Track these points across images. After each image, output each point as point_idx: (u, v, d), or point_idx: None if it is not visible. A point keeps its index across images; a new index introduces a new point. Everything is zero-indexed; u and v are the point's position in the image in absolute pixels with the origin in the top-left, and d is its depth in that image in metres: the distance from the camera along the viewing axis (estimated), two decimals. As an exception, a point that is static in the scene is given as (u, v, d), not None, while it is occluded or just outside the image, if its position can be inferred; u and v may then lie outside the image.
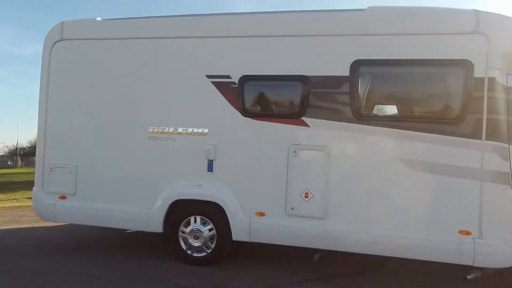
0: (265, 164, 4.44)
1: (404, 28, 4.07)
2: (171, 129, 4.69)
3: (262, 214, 4.42)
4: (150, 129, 4.75)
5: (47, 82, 5.16)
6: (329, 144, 4.22)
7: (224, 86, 4.55)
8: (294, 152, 4.31)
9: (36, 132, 5.38)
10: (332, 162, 4.21)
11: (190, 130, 4.64)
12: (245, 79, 4.47)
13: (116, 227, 5.00)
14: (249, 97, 4.51)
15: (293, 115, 4.36)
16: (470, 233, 3.87)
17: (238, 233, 4.46)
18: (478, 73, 3.85)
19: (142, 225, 4.80)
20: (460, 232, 3.89)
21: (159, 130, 4.73)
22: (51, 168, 5.09)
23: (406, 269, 4.57)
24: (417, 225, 4.00)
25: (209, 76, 4.59)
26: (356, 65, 4.15)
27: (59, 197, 5.07)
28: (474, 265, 3.86)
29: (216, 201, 4.52)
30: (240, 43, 4.51)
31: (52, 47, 5.14)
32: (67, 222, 5.26)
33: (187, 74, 4.68)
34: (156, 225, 4.71)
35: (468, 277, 3.90)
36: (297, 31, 4.36)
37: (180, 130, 4.67)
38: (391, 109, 4.19)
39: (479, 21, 3.86)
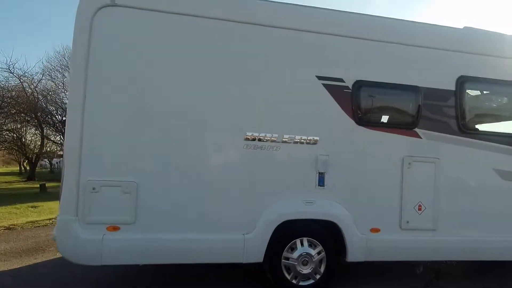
0: (380, 176, 4.18)
1: (498, 51, 4.48)
2: (275, 136, 3.91)
3: (377, 231, 4.13)
4: (248, 135, 3.84)
5: (85, 63, 3.58)
6: (439, 155, 4.28)
7: (336, 90, 4.07)
8: (409, 163, 4.20)
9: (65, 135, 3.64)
10: (441, 173, 4.27)
11: (298, 137, 3.96)
12: (359, 84, 4.12)
13: (198, 262, 3.83)
14: (363, 104, 4.16)
15: (407, 125, 4.24)
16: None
17: (355, 253, 4.04)
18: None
19: (236, 255, 3.80)
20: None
21: (260, 136, 3.87)
22: (93, 188, 3.54)
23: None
24: (507, 229, 4.44)
25: (320, 78, 4.04)
26: (461, 81, 4.35)
27: (107, 229, 3.57)
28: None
29: (333, 220, 3.99)
30: (357, 44, 4.13)
31: (95, 14, 3.61)
32: (121, 263, 3.70)
33: (295, 72, 4.00)
34: (256, 254, 3.83)
35: None
36: (411, 41, 4.27)
37: (286, 137, 3.93)
38: (490, 124, 4.55)
39: None
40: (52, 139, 30.66)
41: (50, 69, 29.48)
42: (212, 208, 3.79)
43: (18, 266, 5.00)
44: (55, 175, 40.39)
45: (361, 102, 4.14)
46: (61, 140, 31.24)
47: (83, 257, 3.55)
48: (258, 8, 3.99)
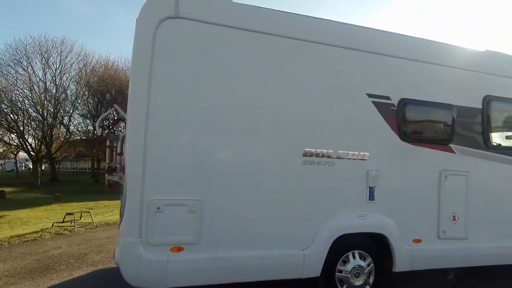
0: (421, 189, 4.41)
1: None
2: (331, 152, 3.98)
3: (419, 241, 4.36)
4: (306, 150, 3.88)
5: (148, 77, 3.41)
6: (470, 169, 4.61)
7: (384, 108, 4.24)
8: (446, 177, 4.48)
9: (126, 151, 3.42)
10: (471, 185, 4.61)
11: (351, 153, 4.07)
12: (404, 102, 4.32)
13: (261, 279, 3.77)
14: (407, 121, 4.36)
15: (443, 141, 4.52)
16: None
17: (401, 264, 4.23)
18: None
19: (296, 271, 3.82)
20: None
21: (317, 152, 3.92)
22: (158, 208, 3.38)
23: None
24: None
25: (369, 95, 4.18)
26: (487, 100, 4.73)
27: (171, 250, 3.42)
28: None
29: (383, 232, 4.15)
30: (402, 64, 4.32)
31: (158, 26, 3.45)
32: (185, 285, 3.52)
33: (348, 89, 4.11)
34: (314, 268, 3.89)
35: None
36: (446, 62, 4.55)
37: (340, 153, 4.02)
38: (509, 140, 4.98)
39: None
40: (3, 139, 28.24)
41: (1, 64, 27.26)
42: (274, 225, 3.78)
43: (38, 290, 4.61)
44: (1, 178, 37.17)
45: (405, 119, 4.34)
46: (11, 141, 28.92)
47: (148, 281, 3.37)
48: (319, 27, 4.05)
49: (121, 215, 3.49)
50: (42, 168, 45.73)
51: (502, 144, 4.89)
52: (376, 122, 4.21)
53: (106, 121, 24.71)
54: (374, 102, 4.20)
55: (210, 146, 3.61)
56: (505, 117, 5.03)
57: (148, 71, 3.41)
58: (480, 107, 4.71)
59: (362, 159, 4.12)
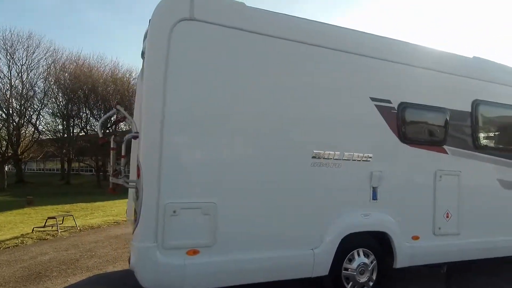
0: (419, 189, 4.63)
1: (503, 80, 5.27)
2: (338, 153, 4.10)
3: (417, 238, 4.58)
4: (315, 152, 3.98)
5: (163, 79, 3.37)
6: (461, 169, 4.89)
7: (385, 111, 4.42)
8: (440, 177, 4.73)
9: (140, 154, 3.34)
10: (462, 184, 4.89)
11: (356, 154, 4.21)
12: (403, 106, 4.52)
13: (273, 279, 3.82)
14: (406, 124, 4.56)
15: (438, 143, 4.76)
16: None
17: (402, 260, 4.43)
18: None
19: (307, 270, 3.92)
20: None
21: (325, 153, 4.03)
22: (174, 211, 3.36)
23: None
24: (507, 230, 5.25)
25: (373, 99, 4.34)
26: (476, 104, 5.04)
27: (186, 253, 3.41)
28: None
29: (385, 231, 4.33)
30: (401, 69, 4.52)
31: (173, 28, 3.41)
32: (200, 287, 3.49)
33: (353, 93, 4.24)
34: (323, 267, 4.00)
35: None
36: (440, 67, 4.79)
37: (346, 154, 4.15)
38: (496, 142, 5.31)
39: None
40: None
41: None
42: (285, 226, 3.84)
43: (35, 298, 4.42)
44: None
45: (405, 122, 4.54)
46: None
47: (165, 285, 3.34)
48: (330, 33, 4.18)
49: (136, 219, 3.42)
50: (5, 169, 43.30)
51: (488, 145, 5.23)
52: (379, 125, 4.38)
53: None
54: (376, 106, 4.36)
55: (224, 149, 3.63)
56: (491, 120, 5.37)
57: (163, 73, 3.37)
58: (469, 110, 5.01)
59: (366, 160, 4.28)
